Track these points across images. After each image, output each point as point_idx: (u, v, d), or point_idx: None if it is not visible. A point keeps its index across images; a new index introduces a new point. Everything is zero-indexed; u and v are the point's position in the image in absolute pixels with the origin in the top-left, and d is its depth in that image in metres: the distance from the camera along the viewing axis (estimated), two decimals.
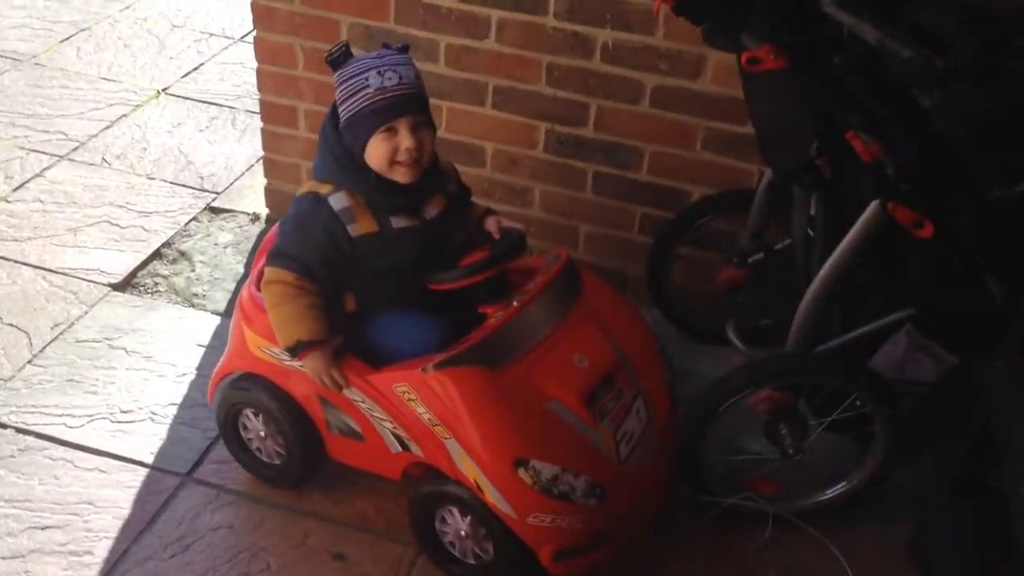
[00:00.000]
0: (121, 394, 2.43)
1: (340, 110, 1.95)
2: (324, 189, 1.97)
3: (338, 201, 1.95)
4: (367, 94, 1.89)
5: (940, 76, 1.58)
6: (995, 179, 1.71)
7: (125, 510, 2.14)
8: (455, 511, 1.96)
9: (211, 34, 4.23)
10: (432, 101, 2.68)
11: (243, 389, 2.15)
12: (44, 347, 2.55)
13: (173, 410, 2.40)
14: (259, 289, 2.03)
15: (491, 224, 2.11)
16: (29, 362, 2.50)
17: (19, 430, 2.31)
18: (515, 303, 1.97)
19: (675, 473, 2.09)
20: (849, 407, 2.00)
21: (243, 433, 2.21)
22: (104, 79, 3.83)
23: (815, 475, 2.16)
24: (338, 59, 1.94)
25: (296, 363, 1.99)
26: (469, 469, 1.86)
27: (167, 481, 2.21)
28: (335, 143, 1.96)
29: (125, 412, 2.38)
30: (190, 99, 3.76)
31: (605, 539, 1.95)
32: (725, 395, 2.00)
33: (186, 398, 2.44)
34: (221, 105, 3.71)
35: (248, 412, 2.17)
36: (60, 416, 2.35)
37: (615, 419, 1.94)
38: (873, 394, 1.96)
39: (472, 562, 2.01)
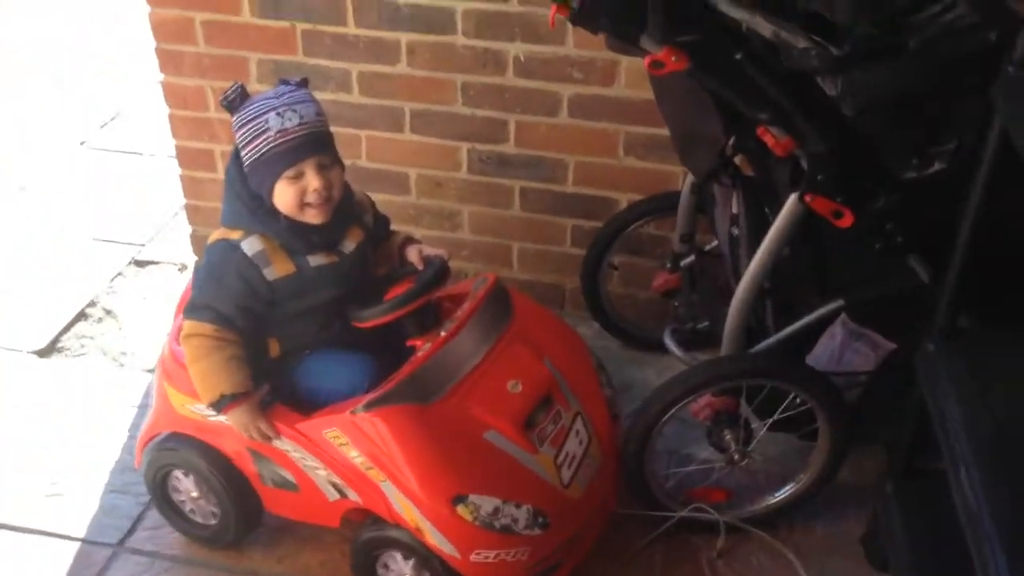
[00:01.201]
0: (50, 463, 2.33)
1: (242, 154, 1.87)
2: (235, 235, 1.89)
3: (251, 246, 1.87)
4: (268, 137, 1.82)
5: (839, 63, 1.55)
6: (908, 161, 1.68)
7: None
8: (397, 555, 1.89)
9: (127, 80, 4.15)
10: (350, 131, 2.66)
11: (170, 450, 2.06)
12: None
13: (105, 476, 2.31)
14: (179, 344, 1.95)
15: (413, 254, 2.05)
16: None
17: None
18: (442, 334, 1.91)
19: (622, 488, 2.04)
20: (791, 405, 1.96)
21: (174, 495, 2.12)
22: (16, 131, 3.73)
23: (764, 478, 2.12)
24: (234, 101, 1.86)
25: (222, 418, 1.91)
26: (407, 511, 1.79)
27: (98, 554, 2.11)
28: (241, 187, 1.89)
29: (53, 484, 2.28)
30: (109, 150, 3.67)
31: (553, 566, 1.89)
32: (664, 407, 1.94)
33: (118, 463, 2.34)
34: (141, 153, 3.62)
35: (178, 473, 2.08)
36: None
37: (554, 443, 1.89)
38: (811, 390, 1.92)
39: None
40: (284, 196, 1.85)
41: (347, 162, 2.69)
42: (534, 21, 2.38)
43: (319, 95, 2.59)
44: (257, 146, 1.84)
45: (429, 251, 2.04)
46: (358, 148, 2.69)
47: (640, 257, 2.62)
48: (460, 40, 2.46)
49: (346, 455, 1.84)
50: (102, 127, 3.82)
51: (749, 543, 2.10)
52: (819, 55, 1.57)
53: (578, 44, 2.39)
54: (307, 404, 1.92)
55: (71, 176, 3.52)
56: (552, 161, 2.57)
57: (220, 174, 2.87)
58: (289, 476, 1.97)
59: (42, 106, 3.95)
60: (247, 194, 1.88)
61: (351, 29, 2.52)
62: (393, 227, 2.16)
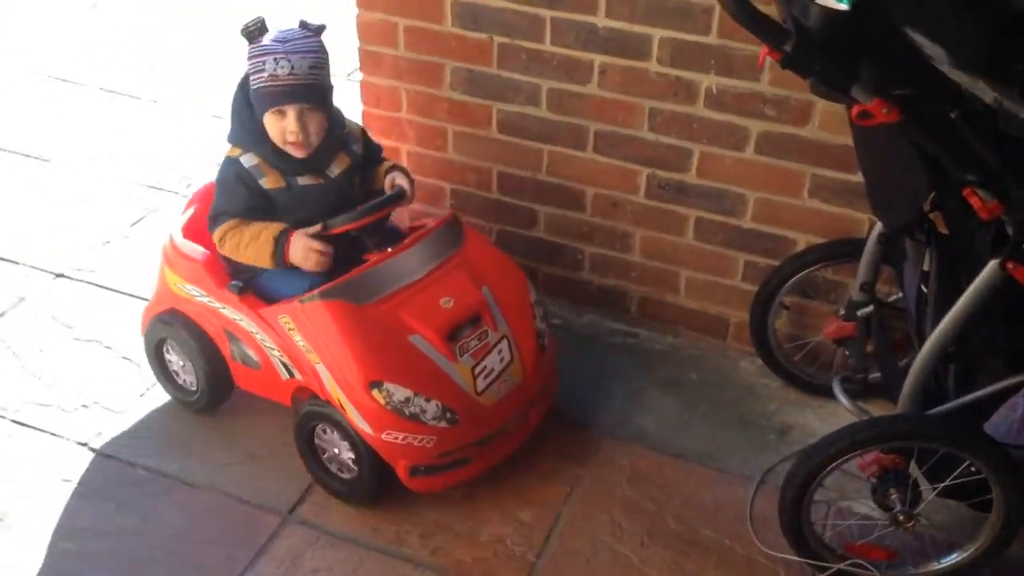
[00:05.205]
0: (221, 434, 2.48)
1: (250, 80, 2.19)
2: (235, 152, 2.24)
3: (248, 160, 2.22)
4: (262, 78, 2.14)
5: None
6: None
7: (227, 547, 2.18)
8: (328, 428, 2.21)
9: None
10: (533, 144, 2.72)
11: (166, 323, 2.43)
12: (155, 383, 2.60)
13: (276, 448, 2.43)
14: (197, 240, 2.37)
15: (387, 181, 2.35)
16: (142, 395, 2.58)
17: (129, 463, 2.39)
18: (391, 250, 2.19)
19: (774, 531, 2.02)
20: (964, 472, 1.91)
21: (168, 363, 2.51)
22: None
23: (929, 543, 2.06)
24: (253, 32, 2.16)
25: (207, 299, 2.31)
26: (334, 390, 2.11)
27: (268, 519, 2.24)
28: (243, 110, 2.22)
29: (226, 450, 2.43)
30: None
31: (460, 461, 2.20)
32: (831, 457, 1.92)
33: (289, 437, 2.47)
34: None
35: (170, 343, 2.45)
36: (162, 449, 2.43)
37: (475, 356, 2.17)
38: (988, 460, 1.87)
39: (345, 476, 2.24)
40: (272, 128, 2.18)
41: (526, 174, 2.78)
42: (730, 54, 2.38)
43: (506, 107, 2.69)
44: (255, 80, 2.17)
45: (400, 180, 2.34)
46: (539, 161, 2.75)
47: (813, 300, 2.59)
48: (654, 67, 2.48)
49: (293, 339, 2.17)
50: None
51: None
52: None
53: (773, 81, 2.37)
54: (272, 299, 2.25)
55: None
56: (733, 195, 2.57)
57: None
58: (253, 355, 2.33)
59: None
60: (248, 116, 2.22)
61: (546, 46, 2.57)
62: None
